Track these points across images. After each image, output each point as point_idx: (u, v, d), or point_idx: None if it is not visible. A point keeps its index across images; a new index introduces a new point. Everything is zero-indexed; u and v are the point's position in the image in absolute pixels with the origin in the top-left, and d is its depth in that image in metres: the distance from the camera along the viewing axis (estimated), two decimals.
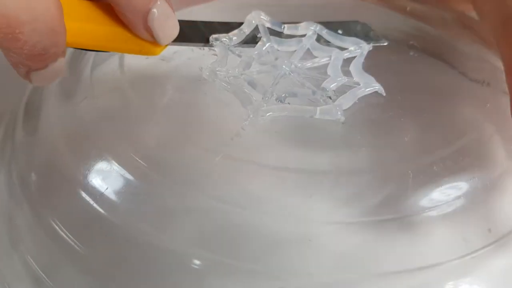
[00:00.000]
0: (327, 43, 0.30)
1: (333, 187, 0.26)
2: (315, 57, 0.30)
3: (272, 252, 0.25)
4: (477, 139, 0.28)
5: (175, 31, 0.26)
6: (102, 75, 0.30)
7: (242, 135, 0.27)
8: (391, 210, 0.26)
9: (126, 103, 0.29)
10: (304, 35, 0.30)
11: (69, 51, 0.31)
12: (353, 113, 0.27)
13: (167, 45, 0.26)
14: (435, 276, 0.25)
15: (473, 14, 0.32)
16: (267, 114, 0.27)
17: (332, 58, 0.29)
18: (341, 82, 0.28)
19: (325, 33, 0.30)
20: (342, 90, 0.28)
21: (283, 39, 0.30)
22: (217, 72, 0.28)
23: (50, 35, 0.22)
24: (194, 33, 0.29)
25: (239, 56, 0.29)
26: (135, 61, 0.30)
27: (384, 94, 0.27)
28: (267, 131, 0.27)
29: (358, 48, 0.29)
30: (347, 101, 0.27)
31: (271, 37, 0.30)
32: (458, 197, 0.26)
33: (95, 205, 0.26)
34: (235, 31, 0.30)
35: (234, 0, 0.36)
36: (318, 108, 0.27)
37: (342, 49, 0.30)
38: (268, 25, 0.30)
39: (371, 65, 0.29)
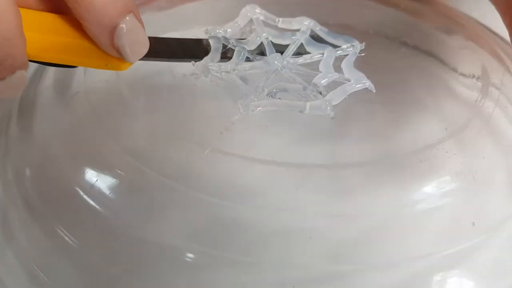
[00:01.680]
0: (320, 39, 0.30)
1: (324, 181, 0.26)
2: (308, 53, 0.30)
3: (265, 245, 0.25)
4: (465, 134, 0.28)
5: (144, 48, 0.24)
6: (96, 70, 0.30)
7: (233, 129, 0.27)
8: (382, 203, 0.26)
9: (119, 98, 0.29)
10: (298, 30, 0.30)
11: None
12: (343, 109, 0.28)
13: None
14: (424, 268, 0.25)
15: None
16: (257, 109, 0.27)
17: (325, 55, 0.29)
18: (332, 78, 0.28)
19: (318, 29, 0.30)
20: (333, 86, 0.28)
21: (276, 33, 0.30)
22: (209, 67, 0.28)
23: (5, 46, 0.21)
24: (164, 49, 0.28)
25: (233, 47, 0.29)
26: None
27: (374, 91, 0.28)
28: (258, 126, 0.28)
29: (351, 47, 0.30)
30: (337, 96, 0.27)
31: (266, 28, 0.30)
32: (447, 191, 0.26)
33: (89, 200, 0.26)
34: (230, 24, 0.30)
35: None
36: (308, 103, 0.27)
37: (334, 46, 0.30)
38: (262, 18, 0.30)
39: (363, 61, 0.29)
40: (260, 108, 0.27)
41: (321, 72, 0.29)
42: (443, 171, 0.27)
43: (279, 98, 0.27)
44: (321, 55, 0.30)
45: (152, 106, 0.29)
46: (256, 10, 0.30)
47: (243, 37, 0.30)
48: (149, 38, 0.25)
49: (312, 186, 0.26)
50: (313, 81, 0.28)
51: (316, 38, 0.30)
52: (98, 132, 0.28)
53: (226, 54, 0.29)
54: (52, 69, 0.32)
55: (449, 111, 0.30)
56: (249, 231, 0.25)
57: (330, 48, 0.30)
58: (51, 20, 0.24)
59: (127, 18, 0.23)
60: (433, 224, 0.26)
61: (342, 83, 0.28)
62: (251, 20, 0.30)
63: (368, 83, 0.28)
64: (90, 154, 0.27)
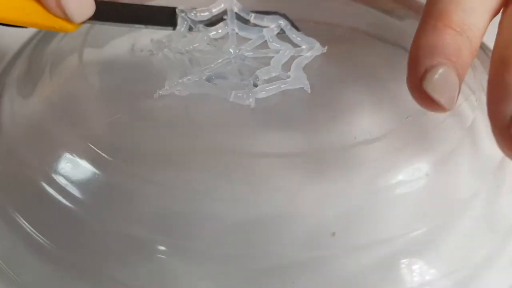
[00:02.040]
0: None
1: (291, 169, 0.26)
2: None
3: (235, 235, 0.25)
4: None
5: (89, 9, 0.26)
6: (61, 69, 0.30)
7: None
8: (354, 188, 0.26)
9: (81, 92, 0.29)
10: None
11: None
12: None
13: (82, 23, 0.26)
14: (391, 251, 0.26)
15: None
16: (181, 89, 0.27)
17: (280, 52, 0.29)
18: (274, 74, 0.28)
19: (288, 29, 0.31)
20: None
21: (245, 26, 0.30)
22: (164, 45, 0.29)
23: None
24: (111, 12, 0.28)
25: (198, 31, 0.30)
26: (93, 54, 0.30)
27: (309, 91, 0.28)
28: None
29: (310, 49, 0.30)
30: (268, 90, 0.28)
31: (236, 21, 0.30)
32: (418, 176, 0.26)
33: (55, 194, 0.26)
34: (203, 8, 0.30)
35: None
36: (233, 92, 0.27)
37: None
38: (236, 10, 0.31)
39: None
40: (180, 89, 0.27)
41: (278, 49, 0.29)
42: (413, 155, 0.27)
43: (215, 83, 0.28)
44: (262, 38, 0.30)
45: (112, 88, 0.29)
46: (192, 13, 0.30)
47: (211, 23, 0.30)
48: (100, 1, 0.26)
49: (283, 172, 0.26)
50: (255, 73, 0.28)
51: (283, 38, 0.30)
52: (62, 126, 0.28)
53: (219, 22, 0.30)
54: (19, 62, 0.32)
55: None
56: (218, 222, 0.25)
57: (289, 46, 0.30)
58: None
59: None
60: (401, 207, 0.26)
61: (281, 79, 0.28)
62: (225, 10, 0.31)
63: (305, 84, 0.28)
64: (52, 146, 0.27)
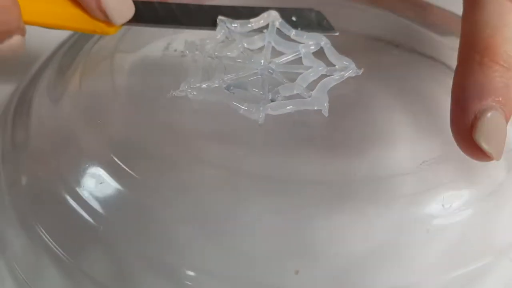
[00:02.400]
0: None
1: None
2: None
3: (255, 264, 0.24)
4: None
5: (130, 11, 0.26)
6: (92, 78, 0.30)
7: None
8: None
9: (113, 107, 0.28)
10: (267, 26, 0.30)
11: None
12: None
13: (122, 26, 0.27)
14: None
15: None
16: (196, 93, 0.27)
17: (310, 69, 0.28)
18: (296, 91, 0.27)
19: (327, 47, 0.29)
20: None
21: (283, 40, 0.29)
22: (197, 47, 0.28)
23: (0, 13, 0.23)
24: (150, 13, 0.28)
25: (234, 40, 0.29)
26: (125, 65, 0.30)
27: (326, 115, 0.26)
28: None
29: (344, 69, 0.28)
30: (280, 108, 0.26)
31: (274, 34, 0.30)
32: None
33: (79, 210, 0.26)
34: (244, 21, 0.30)
35: None
36: (245, 104, 0.26)
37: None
38: (277, 25, 0.30)
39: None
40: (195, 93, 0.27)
41: (309, 66, 0.28)
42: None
43: (233, 93, 0.27)
44: (297, 53, 0.29)
45: (141, 97, 0.29)
46: (233, 25, 0.30)
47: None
48: (135, 1, 0.26)
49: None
50: (276, 88, 0.27)
51: (283, 37, 0.30)
52: (90, 140, 0.27)
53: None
54: (51, 66, 0.31)
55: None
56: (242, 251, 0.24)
57: (322, 64, 0.29)
58: None
59: None
60: (440, 245, 0.25)
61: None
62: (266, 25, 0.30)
63: (323, 106, 0.26)
64: (76, 157, 0.27)
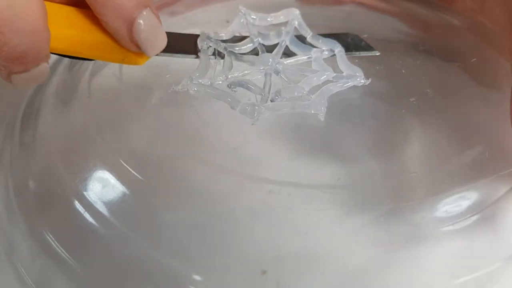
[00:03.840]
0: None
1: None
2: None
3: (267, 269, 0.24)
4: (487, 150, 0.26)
5: (162, 43, 0.25)
6: (100, 83, 0.30)
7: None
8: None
9: (120, 111, 0.28)
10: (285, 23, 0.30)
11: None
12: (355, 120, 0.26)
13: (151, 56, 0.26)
14: None
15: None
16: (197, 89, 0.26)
17: (316, 73, 0.28)
18: (297, 93, 0.27)
19: (340, 55, 0.29)
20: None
21: (298, 41, 0.30)
22: (198, 80, 0.27)
23: (31, 38, 0.22)
24: (181, 44, 0.28)
25: (224, 51, 0.29)
26: (133, 71, 0.30)
27: (322, 119, 0.26)
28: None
29: (350, 77, 0.28)
30: (275, 109, 0.27)
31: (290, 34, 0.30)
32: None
33: (87, 216, 0.26)
34: (224, 29, 0.30)
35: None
36: (241, 103, 0.26)
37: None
38: (296, 24, 0.30)
39: (380, 70, 0.29)
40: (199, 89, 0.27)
41: (316, 70, 0.28)
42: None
43: (235, 91, 0.27)
44: (309, 57, 0.29)
45: (151, 103, 0.28)
46: (252, 16, 0.30)
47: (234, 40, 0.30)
48: (166, 33, 0.25)
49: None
50: (278, 89, 0.27)
51: (300, 38, 0.30)
52: (99, 147, 0.27)
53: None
54: (57, 73, 0.31)
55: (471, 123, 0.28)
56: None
57: (330, 69, 0.28)
58: (71, 13, 0.24)
59: (144, 13, 0.24)
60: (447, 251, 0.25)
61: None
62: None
63: (320, 110, 0.26)
64: (89, 169, 0.27)
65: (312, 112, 0.26)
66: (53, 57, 0.32)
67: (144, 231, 0.25)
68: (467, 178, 0.25)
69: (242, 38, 0.30)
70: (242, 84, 0.27)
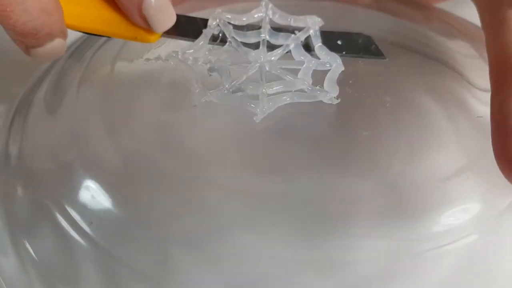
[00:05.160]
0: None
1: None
2: None
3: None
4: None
5: (171, 19, 0.26)
6: (88, 91, 0.29)
7: None
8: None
9: (109, 120, 0.28)
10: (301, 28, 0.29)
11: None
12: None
13: (161, 35, 0.27)
14: None
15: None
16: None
17: (304, 65, 0.28)
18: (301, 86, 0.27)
19: (316, 36, 0.29)
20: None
21: (275, 33, 0.29)
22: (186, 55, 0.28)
23: (41, 16, 0.23)
24: (190, 27, 0.29)
25: (229, 34, 0.29)
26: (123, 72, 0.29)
27: (335, 102, 0.26)
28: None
29: (329, 64, 0.28)
30: (273, 103, 0.26)
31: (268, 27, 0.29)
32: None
33: (69, 229, 0.25)
34: (246, 14, 0.30)
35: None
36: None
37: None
38: (270, 15, 0.30)
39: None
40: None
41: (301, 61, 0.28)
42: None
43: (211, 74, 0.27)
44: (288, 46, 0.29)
45: (138, 111, 0.28)
46: (270, 10, 0.29)
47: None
48: (177, 14, 0.26)
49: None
50: (279, 86, 0.27)
51: (306, 46, 0.29)
52: (82, 148, 0.27)
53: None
54: (46, 81, 0.31)
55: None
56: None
57: (309, 57, 0.28)
58: None
59: None
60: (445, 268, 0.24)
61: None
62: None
63: (331, 96, 0.26)
64: (66, 172, 0.26)
65: (328, 100, 0.26)
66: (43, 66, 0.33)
67: (132, 246, 0.25)
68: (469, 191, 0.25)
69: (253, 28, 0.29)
70: (238, 90, 0.27)
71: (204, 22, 0.29)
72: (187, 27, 0.28)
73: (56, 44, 0.25)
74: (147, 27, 0.26)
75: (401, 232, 0.24)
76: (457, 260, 0.24)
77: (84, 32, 0.27)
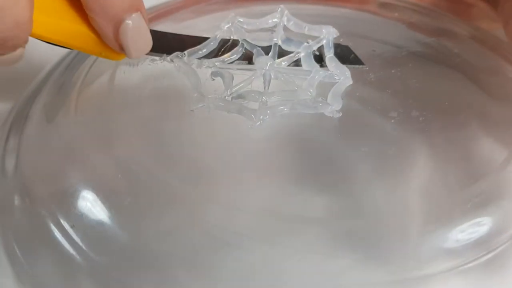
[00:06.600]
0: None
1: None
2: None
3: None
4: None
5: (147, 47, 0.25)
6: (87, 99, 0.29)
7: None
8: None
9: (108, 131, 0.27)
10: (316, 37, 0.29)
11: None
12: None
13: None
14: None
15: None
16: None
17: (311, 75, 0.27)
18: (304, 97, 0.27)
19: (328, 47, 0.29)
20: None
21: (289, 39, 0.29)
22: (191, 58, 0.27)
23: (13, 28, 0.22)
24: (161, 44, 0.27)
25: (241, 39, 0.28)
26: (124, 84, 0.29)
27: (337, 116, 0.26)
28: None
29: (335, 76, 0.28)
30: (274, 112, 0.26)
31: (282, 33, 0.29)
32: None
33: (66, 245, 0.24)
34: (261, 19, 0.29)
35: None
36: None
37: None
38: (285, 22, 0.29)
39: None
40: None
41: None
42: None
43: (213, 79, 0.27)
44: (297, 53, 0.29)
45: (136, 122, 0.27)
46: (285, 16, 0.29)
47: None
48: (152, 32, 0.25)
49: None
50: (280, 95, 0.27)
51: (317, 58, 0.29)
52: (79, 161, 0.26)
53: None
54: (44, 91, 0.30)
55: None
56: None
57: (318, 68, 0.28)
58: (56, 2, 0.24)
59: (133, 15, 0.24)
60: None
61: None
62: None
63: (334, 114, 0.26)
64: (71, 191, 0.26)
65: (329, 114, 0.26)
66: (45, 68, 0.32)
67: (130, 264, 0.24)
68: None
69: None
70: (240, 96, 0.27)
71: (174, 37, 0.28)
72: (157, 44, 0.27)
73: (18, 53, 0.24)
74: (121, 52, 0.25)
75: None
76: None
77: (47, 42, 0.25)
